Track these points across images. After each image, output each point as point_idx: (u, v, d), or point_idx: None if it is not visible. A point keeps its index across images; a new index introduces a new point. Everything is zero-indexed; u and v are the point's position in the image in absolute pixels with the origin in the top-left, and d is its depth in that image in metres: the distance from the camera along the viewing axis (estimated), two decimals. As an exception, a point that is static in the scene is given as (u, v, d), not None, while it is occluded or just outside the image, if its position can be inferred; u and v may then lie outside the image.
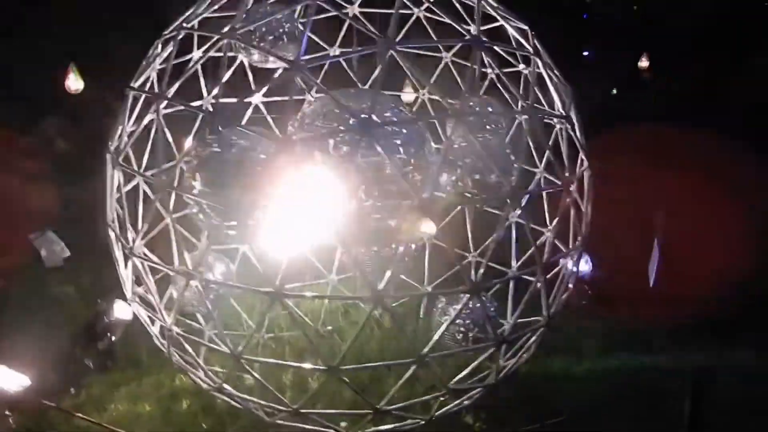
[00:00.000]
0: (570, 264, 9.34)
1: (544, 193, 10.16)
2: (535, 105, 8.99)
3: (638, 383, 11.08)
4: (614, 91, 32.75)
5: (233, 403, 9.57)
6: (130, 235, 9.11)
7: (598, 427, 10.03)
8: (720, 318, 12.10)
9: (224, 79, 10.88)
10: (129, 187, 9.39)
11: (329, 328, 12.44)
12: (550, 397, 10.63)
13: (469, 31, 10.55)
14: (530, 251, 10.53)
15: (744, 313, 12.32)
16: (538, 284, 8.61)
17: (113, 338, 11.40)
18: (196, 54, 10.50)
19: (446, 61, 11.64)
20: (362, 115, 7.90)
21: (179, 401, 10.71)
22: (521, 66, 10.51)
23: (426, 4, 10.97)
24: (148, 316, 9.45)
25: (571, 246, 9.28)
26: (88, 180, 16.95)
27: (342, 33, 11.77)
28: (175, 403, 10.68)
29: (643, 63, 34.20)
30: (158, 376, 11.22)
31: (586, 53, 35.19)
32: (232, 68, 10.80)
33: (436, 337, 8.45)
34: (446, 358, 9.83)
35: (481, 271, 8.29)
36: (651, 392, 10.67)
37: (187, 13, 9.66)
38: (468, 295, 8.11)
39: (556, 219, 9.62)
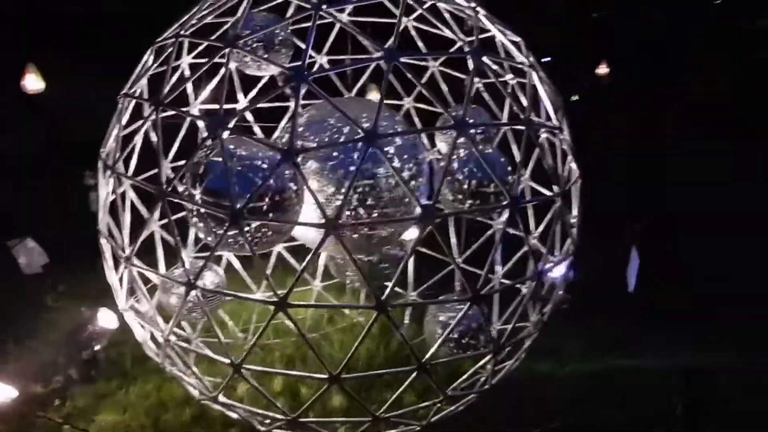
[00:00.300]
0: (562, 271, 9.52)
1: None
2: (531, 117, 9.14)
3: (622, 384, 11.37)
4: (576, 98, 33.29)
5: (227, 412, 9.52)
6: (123, 242, 9.03)
7: (586, 428, 10.27)
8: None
9: (211, 86, 11.16)
10: (118, 192, 9.34)
11: (313, 335, 12.43)
12: (538, 400, 10.81)
13: (455, 41, 10.93)
14: (514, 259, 10.90)
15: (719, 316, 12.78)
16: (532, 290, 8.80)
17: (97, 347, 11.23)
18: (186, 60, 10.48)
19: (433, 70, 11.77)
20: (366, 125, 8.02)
21: (168, 411, 10.59)
22: (509, 76, 10.72)
23: (415, 15, 11.23)
24: (141, 325, 9.34)
25: (562, 253, 9.48)
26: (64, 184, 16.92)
27: (329, 41, 11.83)
28: (164, 413, 10.55)
29: (602, 69, 34.95)
30: (144, 386, 11.08)
31: (547, 60, 35.72)
32: (219, 75, 10.80)
33: (437, 345, 8.54)
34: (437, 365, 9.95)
35: (482, 279, 8.40)
36: (635, 392, 10.98)
37: (181, 20, 9.62)
38: (469, 303, 8.20)
39: (542, 227, 9.88)
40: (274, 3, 10.41)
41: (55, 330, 11.80)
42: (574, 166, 9.46)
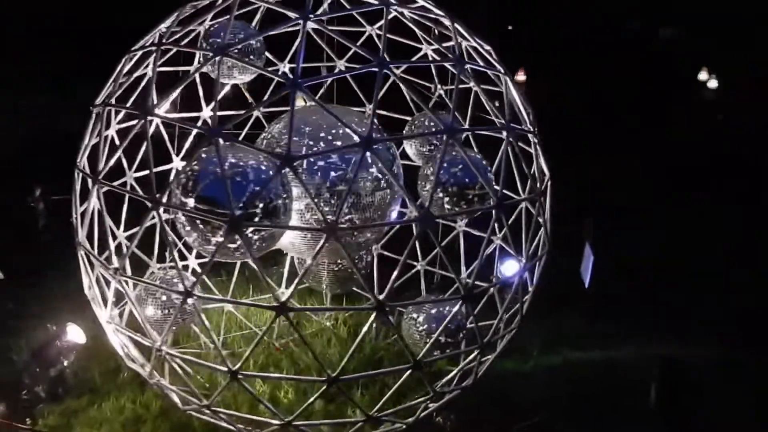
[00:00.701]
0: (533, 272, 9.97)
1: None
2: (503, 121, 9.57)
3: (580, 376, 12.00)
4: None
5: (213, 421, 9.47)
6: (111, 254, 8.89)
7: (556, 420, 10.78)
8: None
9: (176, 93, 11.07)
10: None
11: (284, 340, 12.47)
12: (508, 394, 11.26)
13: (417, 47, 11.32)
14: (477, 261, 11.27)
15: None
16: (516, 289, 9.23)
17: (66, 363, 10.92)
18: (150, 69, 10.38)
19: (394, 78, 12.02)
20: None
21: (146, 424, 10.42)
22: (471, 83, 11.14)
23: (378, 24, 11.51)
24: (127, 337, 9.21)
25: (537, 254, 9.92)
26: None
27: (295, 47, 11.96)
28: (141, 426, 10.38)
29: (520, 77, 36.28)
30: (117, 400, 10.85)
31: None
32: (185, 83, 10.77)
33: (430, 343, 8.83)
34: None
35: (472, 279, 8.74)
36: (594, 384, 11.63)
37: (155, 30, 9.61)
38: (461, 301, 8.54)
39: (506, 227, 10.27)
40: (243, 11, 10.50)
41: (21, 347, 11.43)
42: (545, 167, 9.96)
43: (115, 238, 9.60)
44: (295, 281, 8.25)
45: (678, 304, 13.94)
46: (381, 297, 8.18)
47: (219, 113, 11.64)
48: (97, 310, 9.55)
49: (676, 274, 14.99)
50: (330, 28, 11.46)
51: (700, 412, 10.11)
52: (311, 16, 8.76)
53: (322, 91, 12.80)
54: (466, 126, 11.22)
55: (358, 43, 11.37)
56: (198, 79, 11.16)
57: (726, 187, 21.58)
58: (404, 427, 9.58)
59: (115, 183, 9.82)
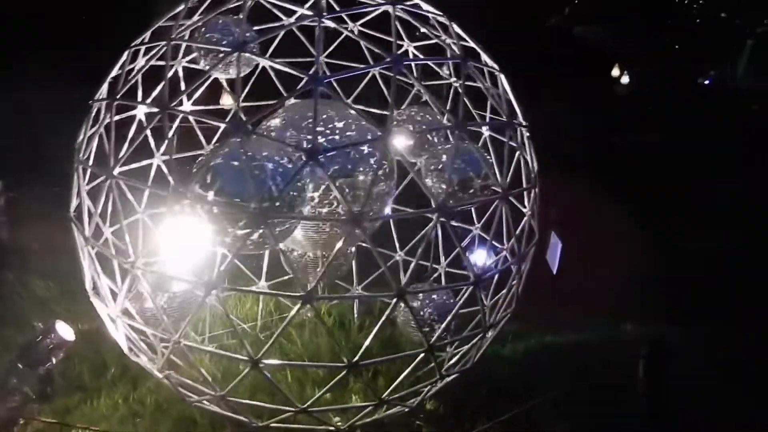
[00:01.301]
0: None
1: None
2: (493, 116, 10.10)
3: (557, 359, 12.70)
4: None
5: (222, 412, 9.56)
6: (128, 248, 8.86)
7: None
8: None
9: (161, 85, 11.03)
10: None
11: (268, 331, 12.58)
12: (492, 377, 11.79)
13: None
14: (486, 248, 11.78)
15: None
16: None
17: (54, 362, 10.69)
18: (140, 63, 10.32)
19: (374, 73, 12.35)
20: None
21: (143, 419, 10.40)
22: (452, 79, 11.64)
23: (359, 22, 11.80)
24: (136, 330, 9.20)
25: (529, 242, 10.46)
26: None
27: (274, 43, 12.10)
28: (140, 421, 10.35)
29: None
30: (110, 397, 10.76)
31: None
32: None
33: (441, 328, 9.24)
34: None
35: (482, 267, 9.21)
36: (570, 365, 12.35)
37: (156, 24, 9.62)
38: (471, 287, 8.99)
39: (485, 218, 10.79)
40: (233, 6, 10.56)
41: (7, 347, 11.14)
42: (534, 161, 10.53)
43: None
44: (320, 272, 8.46)
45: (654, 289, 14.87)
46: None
47: (201, 108, 11.93)
48: (100, 305, 9.49)
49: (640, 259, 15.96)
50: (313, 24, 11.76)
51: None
52: (325, 14, 8.93)
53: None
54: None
55: (337, 42, 11.85)
56: (181, 73, 11.16)
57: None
58: (406, 410, 9.98)
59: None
